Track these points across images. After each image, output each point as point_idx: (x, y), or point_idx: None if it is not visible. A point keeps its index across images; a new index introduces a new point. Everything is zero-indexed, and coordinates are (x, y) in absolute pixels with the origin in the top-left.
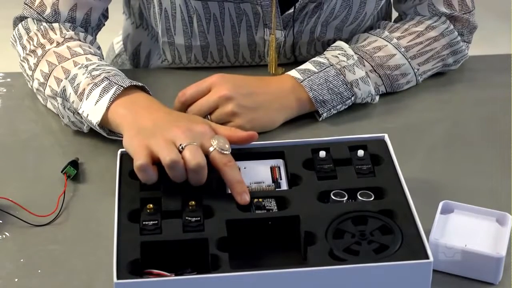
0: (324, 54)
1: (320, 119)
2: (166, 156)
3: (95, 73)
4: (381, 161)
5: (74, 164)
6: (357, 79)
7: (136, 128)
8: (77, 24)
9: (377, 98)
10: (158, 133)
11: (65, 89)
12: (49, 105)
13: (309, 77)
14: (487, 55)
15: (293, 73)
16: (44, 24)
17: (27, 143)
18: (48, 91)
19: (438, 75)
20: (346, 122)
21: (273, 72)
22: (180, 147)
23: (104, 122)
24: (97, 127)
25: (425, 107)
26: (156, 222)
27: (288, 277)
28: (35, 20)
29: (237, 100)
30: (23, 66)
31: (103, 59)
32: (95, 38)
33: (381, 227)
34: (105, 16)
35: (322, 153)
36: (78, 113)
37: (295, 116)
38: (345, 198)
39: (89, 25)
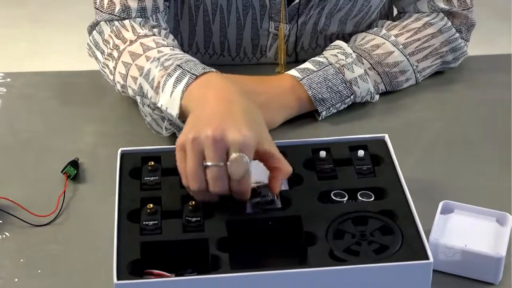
0: (323, 54)
1: (320, 118)
2: (192, 180)
3: (167, 63)
4: (381, 161)
5: (74, 164)
6: (356, 77)
7: (192, 120)
8: (149, 14)
9: (377, 97)
10: (196, 130)
11: (141, 86)
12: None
13: (308, 75)
14: (487, 55)
15: (293, 72)
16: (116, 23)
17: (27, 143)
18: (130, 92)
19: (438, 75)
20: (346, 121)
21: (282, 62)
22: (205, 164)
23: (182, 113)
24: (177, 120)
25: (425, 107)
26: (156, 222)
27: (288, 278)
28: (107, 22)
29: None
30: (104, 73)
31: (177, 48)
32: (167, 26)
33: (381, 227)
34: None
35: (323, 153)
36: (158, 107)
37: (295, 116)
38: (346, 199)
39: (158, 11)
